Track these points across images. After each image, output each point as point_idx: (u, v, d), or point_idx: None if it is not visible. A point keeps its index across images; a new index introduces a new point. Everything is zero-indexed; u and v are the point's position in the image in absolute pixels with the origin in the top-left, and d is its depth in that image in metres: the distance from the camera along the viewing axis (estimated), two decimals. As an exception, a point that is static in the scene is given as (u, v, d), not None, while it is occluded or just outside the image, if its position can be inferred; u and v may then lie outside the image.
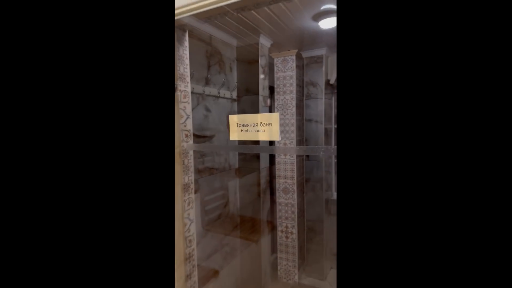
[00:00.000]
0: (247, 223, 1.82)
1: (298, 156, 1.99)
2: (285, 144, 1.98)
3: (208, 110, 1.48)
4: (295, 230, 1.99)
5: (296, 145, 1.95)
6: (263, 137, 0.62)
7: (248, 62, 1.72)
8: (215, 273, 1.50)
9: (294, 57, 1.87)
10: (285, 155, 1.98)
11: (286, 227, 2.03)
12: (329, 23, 1.35)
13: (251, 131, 0.63)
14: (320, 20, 1.34)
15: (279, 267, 2.06)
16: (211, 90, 1.48)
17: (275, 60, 1.94)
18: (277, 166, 2.05)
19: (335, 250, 2.17)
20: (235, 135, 0.66)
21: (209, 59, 1.48)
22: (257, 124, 0.62)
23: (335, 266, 2.15)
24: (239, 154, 1.88)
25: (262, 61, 1.66)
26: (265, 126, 0.60)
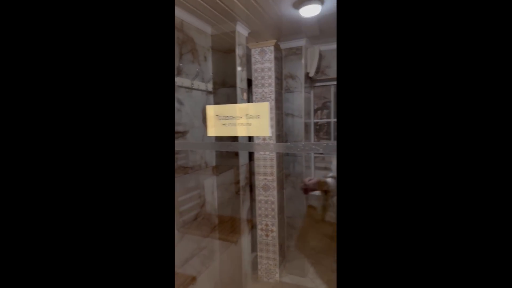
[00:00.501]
0: (225, 223, 1.72)
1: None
2: (264, 139, 1.90)
3: (180, 103, 1.35)
4: (275, 228, 1.93)
5: (276, 141, 1.89)
6: (249, 132, 0.52)
7: (224, 51, 1.60)
8: (193, 279, 1.39)
9: (272, 48, 1.78)
10: (264, 151, 1.91)
11: (266, 225, 1.97)
12: (310, 11, 1.28)
13: (234, 125, 0.52)
14: (301, 7, 1.26)
15: (259, 267, 2.00)
16: (183, 81, 1.34)
17: (252, 51, 1.84)
18: (256, 163, 1.97)
19: (315, 246, 2.16)
20: (213, 130, 0.55)
21: (181, 47, 1.33)
22: (241, 117, 0.51)
23: (316, 262, 2.13)
24: (216, 151, 1.77)
25: (239, 51, 1.55)
26: (251, 119, 0.51)
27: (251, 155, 1.95)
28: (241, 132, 0.52)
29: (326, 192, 1.21)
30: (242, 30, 1.56)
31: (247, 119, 0.49)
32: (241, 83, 1.56)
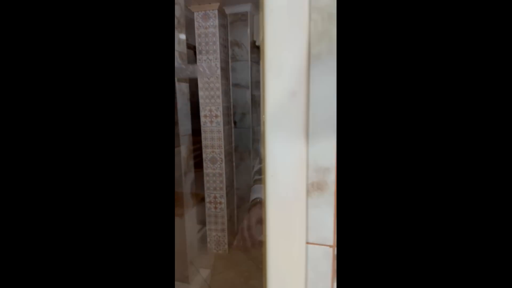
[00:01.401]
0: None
1: (225, 124, 1.89)
2: (210, 111, 1.84)
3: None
4: (223, 200, 1.93)
5: (223, 112, 1.83)
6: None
7: (159, 10, 1.46)
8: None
9: (216, 12, 1.68)
10: (211, 122, 1.85)
11: (215, 197, 1.95)
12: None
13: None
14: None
15: (208, 239, 2.01)
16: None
17: (195, 14, 1.72)
18: (203, 135, 1.91)
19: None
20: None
21: None
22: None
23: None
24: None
25: (176, 11, 1.43)
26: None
27: (196, 131, 1.88)
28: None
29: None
30: (179, -12, 1.43)
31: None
32: (179, 46, 1.46)
